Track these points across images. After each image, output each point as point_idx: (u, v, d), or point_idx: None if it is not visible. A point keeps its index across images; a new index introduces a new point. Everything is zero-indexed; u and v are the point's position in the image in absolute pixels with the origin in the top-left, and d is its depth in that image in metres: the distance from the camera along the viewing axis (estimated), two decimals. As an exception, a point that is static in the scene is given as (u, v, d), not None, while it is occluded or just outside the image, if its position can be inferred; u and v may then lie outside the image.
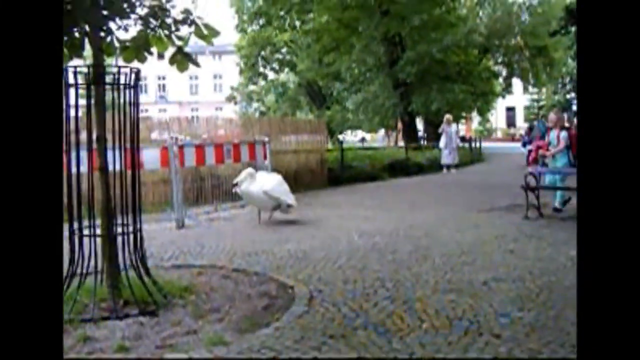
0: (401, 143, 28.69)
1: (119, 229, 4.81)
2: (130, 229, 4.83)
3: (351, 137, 49.30)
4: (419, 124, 31.71)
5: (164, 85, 61.86)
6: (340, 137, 35.34)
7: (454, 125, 21.40)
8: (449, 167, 19.71)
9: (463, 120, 33.03)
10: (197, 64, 5.50)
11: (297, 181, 12.99)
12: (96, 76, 4.74)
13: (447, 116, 20.52)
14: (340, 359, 3.68)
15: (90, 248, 4.68)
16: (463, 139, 28.54)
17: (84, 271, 4.70)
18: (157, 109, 53.28)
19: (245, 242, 7.53)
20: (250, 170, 9.35)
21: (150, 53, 5.32)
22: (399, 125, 31.03)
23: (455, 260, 6.30)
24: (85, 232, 4.72)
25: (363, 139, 49.08)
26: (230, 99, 44.84)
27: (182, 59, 5.31)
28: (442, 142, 19.93)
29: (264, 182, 9.12)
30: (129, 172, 4.85)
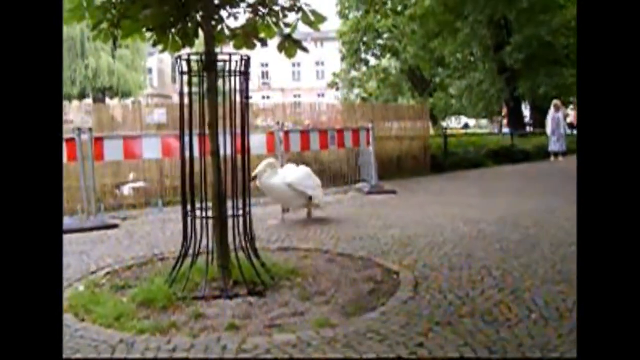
0: (506, 129, 27.92)
1: (230, 212, 4.96)
2: (241, 212, 4.97)
3: (454, 124, 48.44)
4: (525, 110, 30.73)
5: (267, 73, 62.96)
6: (443, 123, 34.82)
7: (562, 111, 20.61)
8: (556, 154, 19.01)
9: (572, 106, 31.76)
10: (305, 50, 5.55)
11: (400, 168, 12.95)
12: (208, 64, 4.88)
13: (555, 102, 19.77)
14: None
15: (202, 229, 4.87)
16: (572, 125, 27.41)
17: (196, 251, 4.90)
18: (261, 96, 54.34)
19: (349, 227, 7.59)
20: (270, 160, 8.25)
21: (259, 40, 5.42)
22: (504, 111, 30.21)
23: (565, 250, 6.09)
24: (198, 214, 4.91)
25: (466, 125, 48.14)
26: (332, 85, 45.09)
27: (291, 46, 5.38)
28: (549, 129, 19.23)
29: (288, 175, 8.15)
30: (239, 157, 4.99)
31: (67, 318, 4.37)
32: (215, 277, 4.86)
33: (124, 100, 34.26)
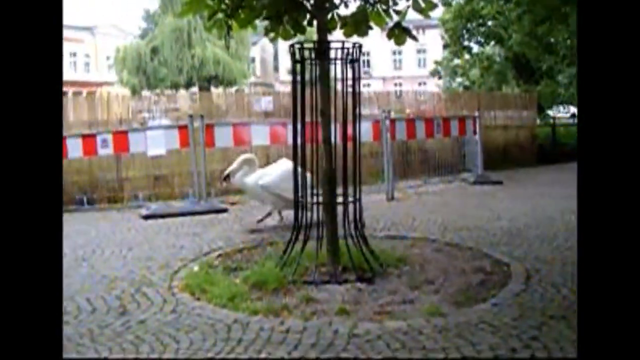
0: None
1: (340, 199, 5.01)
2: (350, 199, 5.01)
3: (562, 113, 46.65)
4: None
5: (368, 61, 62.81)
6: (551, 112, 33.60)
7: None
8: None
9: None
10: (415, 38, 5.50)
11: (506, 157, 12.65)
12: (321, 51, 4.93)
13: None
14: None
15: (311, 215, 4.95)
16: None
17: (306, 237, 4.99)
18: (362, 84, 54.16)
19: (455, 217, 7.49)
20: (247, 156, 7.40)
21: (370, 28, 5.42)
22: (617, 100, 28.80)
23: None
24: (309, 200, 4.99)
25: (574, 115, 46.27)
26: (434, 73, 44.36)
27: (400, 33, 5.35)
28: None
29: (265, 174, 7.15)
30: (349, 144, 5.03)
31: (183, 297, 4.57)
32: (325, 262, 4.93)
33: (228, 89, 35.10)
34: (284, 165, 7.13)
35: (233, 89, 33.70)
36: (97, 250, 6.31)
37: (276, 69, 57.23)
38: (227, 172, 7.33)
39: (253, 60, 50.41)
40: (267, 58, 58.29)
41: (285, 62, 51.69)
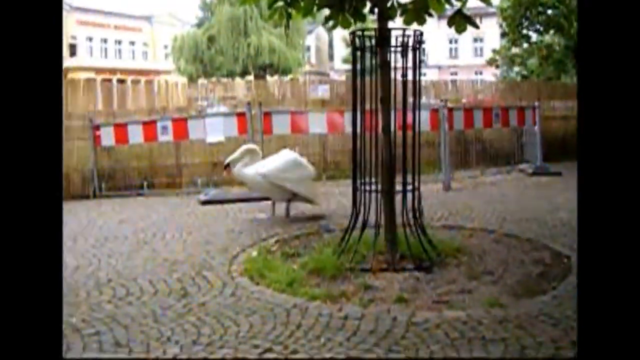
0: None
1: (399, 187, 5.01)
2: (409, 187, 5.00)
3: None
4: None
5: (423, 49, 62.19)
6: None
7: None
8: None
9: None
10: (476, 26, 5.43)
11: (565, 149, 12.35)
12: (382, 39, 4.92)
13: None
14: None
15: (368, 203, 4.96)
16: None
17: (364, 225, 5.00)
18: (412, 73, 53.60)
19: (514, 208, 7.39)
20: (250, 146, 7.20)
21: (430, 15, 5.37)
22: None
23: None
24: (368, 188, 5.00)
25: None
26: (491, 62, 43.56)
27: (461, 21, 5.28)
28: None
29: (266, 164, 6.92)
30: (408, 133, 5.01)
31: (243, 281, 4.65)
32: (382, 250, 4.94)
33: (283, 77, 35.30)
34: (286, 156, 7.05)
35: (288, 78, 33.83)
36: (157, 233, 6.46)
37: (331, 57, 57.27)
38: (227, 160, 7.12)
39: (308, 48, 50.54)
40: (322, 47, 58.40)
41: (340, 51, 51.70)
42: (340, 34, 44.82)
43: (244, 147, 7.13)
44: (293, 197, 6.91)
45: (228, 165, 7.07)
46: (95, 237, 6.39)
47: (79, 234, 6.57)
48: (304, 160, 7.15)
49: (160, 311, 4.04)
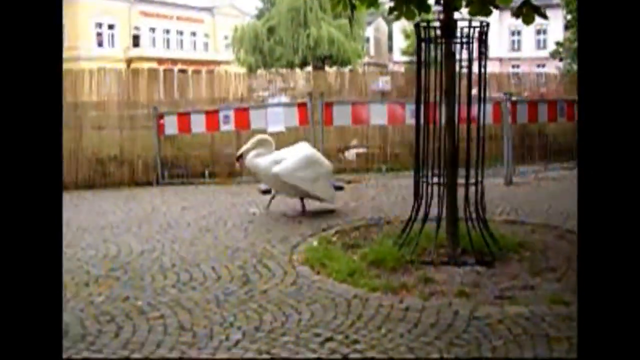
0: None
1: (462, 180, 4.96)
2: (472, 181, 4.95)
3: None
4: None
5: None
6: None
7: None
8: None
9: None
10: (545, 17, 5.35)
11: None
12: (448, 30, 4.88)
13: None
14: None
15: (430, 196, 4.94)
16: None
17: (425, 217, 4.97)
18: (481, 65, 52.77)
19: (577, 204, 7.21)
20: (262, 137, 6.87)
21: (496, 7, 5.28)
22: None
23: None
24: (431, 180, 4.97)
25: None
26: (555, 55, 42.53)
27: (529, 12, 5.19)
28: None
29: (280, 158, 6.53)
30: (472, 126, 4.96)
31: (303, 270, 4.70)
32: (443, 243, 4.91)
33: (342, 69, 35.26)
34: (302, 151, 6.71)
35: (347, 69, 33.80)
36: (219, 221, 6.58)
37: (390, 49, 56.88)
38: (240, 151, 6.92)
39: (367, 40, 50.29)
40: (381, 38, 58.10)
41: (399, 43, 51.28)
42: (400, 26, 44.50)
43: (257, 137, 6.87)
44: (307, 195, 6.69)
45: (240, 156, 6.92)
46: (159, 223, 6.56)
47: (144, 220, 6.75)
48: (320, 156, 7.00)
49: (223, 297, 4.12)
